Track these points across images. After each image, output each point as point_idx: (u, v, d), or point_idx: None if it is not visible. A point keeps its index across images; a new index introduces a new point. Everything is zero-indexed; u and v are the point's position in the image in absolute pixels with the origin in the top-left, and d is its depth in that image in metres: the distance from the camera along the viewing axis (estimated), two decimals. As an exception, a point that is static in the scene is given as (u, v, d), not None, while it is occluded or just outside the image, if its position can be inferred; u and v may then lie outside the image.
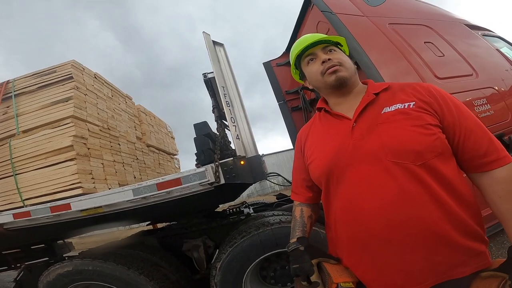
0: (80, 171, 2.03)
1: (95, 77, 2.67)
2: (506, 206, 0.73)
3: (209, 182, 1.73)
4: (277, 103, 3.79)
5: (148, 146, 3.39)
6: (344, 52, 0.98)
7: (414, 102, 0.80)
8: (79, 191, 1.99)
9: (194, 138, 2.26)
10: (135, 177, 2.77)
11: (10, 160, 2.08)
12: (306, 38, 0.97)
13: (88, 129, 2.26)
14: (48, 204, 1.89)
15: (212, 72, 3.23)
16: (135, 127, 3.18)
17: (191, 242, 2.47)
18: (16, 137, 2.15)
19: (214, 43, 2.37)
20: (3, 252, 3.78)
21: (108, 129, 2.57)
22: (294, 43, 1.01)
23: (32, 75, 2.35)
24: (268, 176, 2.77)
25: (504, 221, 0.74)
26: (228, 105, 2.01)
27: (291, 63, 1.05)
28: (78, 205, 1.85)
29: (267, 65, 3.90)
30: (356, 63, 2.08)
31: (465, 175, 0.82)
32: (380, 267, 0.78)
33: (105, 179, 2.29)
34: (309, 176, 0.98)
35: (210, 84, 3.00)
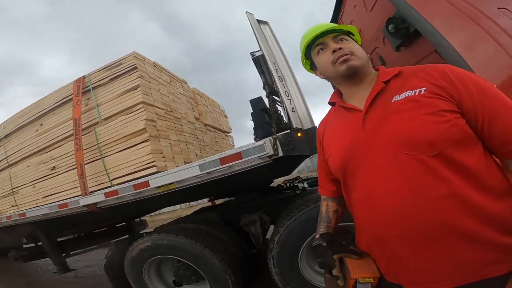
0: (154, 151, 2.26)
1: (154, 65, 2.86)
2: None
3: (267, 155, 1.76)
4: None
5: (206, 125, 3.61)
6: (356, 42, 0.93)
7: (425, 88, 0.73)
8: (153, 169, 2.22)
9: (251, 113, 2.30)
10: (196, 155, 2.99)
11: (97, 145, 2.41)
12: (316, 27, 0.92)
13: (155, 113, 2.47)
14: (131, 183, 2.16)
15: (260, 50, 3.25)
16: (192, 108, 3.38)
17: (248, 217, 2.57)
18: (99, 124, 2.47)
19: (259, 21, 2.37)
20: (94, 231, 4.57)
21: (171, 111, 2.78)
22: (304, 33, 0.97)
23: (103, 69, 2.62)
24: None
25: None
26: (281, 79, 2.00)
27: (301, 53, 1.01)
28: (155, 182, 2.07)
29: None
30: (416, 31, 1.94)
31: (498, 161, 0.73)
32: (399, 263, 0.76)
33: (173, 157, 2.51)
34: (331, 170, 0.96)
35: (259, 62, 2.99)
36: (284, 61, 2.12)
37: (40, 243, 3.73)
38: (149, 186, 2.08)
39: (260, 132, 2.11)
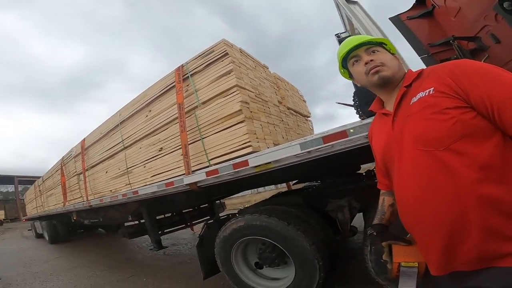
0: (249, 131, 2.28)
1: (240, 51, 2.95)
2: None
3: None
4: (418, 58, 3.39)
5: (288, 108, 3.58)
6: (390, 51, 1.02)
7: (432, 88, 0.80)
8: (249, 149, 2.25)
9: (354, 92, 2.19)
10: (283, 137, 2.96)
11: (197, 127, 2.59)
12: (350, 41, 1.02)
13: (248, 95, 2.52)
14: (231, 162, 2.22)
15: (345, 32, 3.13)
16: (275, 92, 3.38)
17: (335, 202, 2.46)
18: (198, 108, 2.64)
19: (347, 1, 2.34)
20: (183, 211, 5.04)
21: (259, 94, 2.80)
22: (340, 45, 1.07)
23: (197, 57, 2.79)
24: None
25: None
26: None
27: (338, 64, 1.11)
28: (253, 161, 2.07)
29: (396, 20, 3.54)
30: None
31: None
32: (427, 248, 0.84)
33: (264, 138, 2.51)
34: None
35: None
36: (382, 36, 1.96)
37: (142, 221, 4.27)
38: (248, 165, 2.09)
39: (366, 110, 1.98)
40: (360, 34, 2.07)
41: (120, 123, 3.55)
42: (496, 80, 0.72)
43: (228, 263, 2.51)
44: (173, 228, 4.54)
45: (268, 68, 3.61)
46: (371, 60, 0.96)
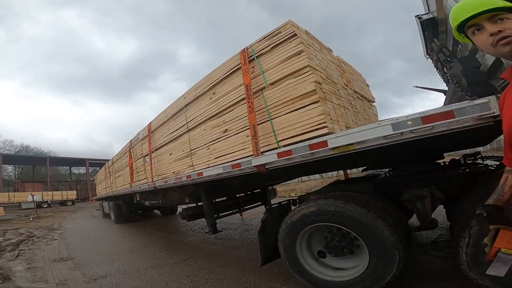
0: (324, 112, 2.12)
1: (306, 33, 2.77)
2: None
3: (492, 114, 1.41)
4: None
5: (355, 92, 3.33)
6: None
7: None
8: (324, 130, 2.09)
9: (462, 71, 2.03)
10: (352, 121, 2.74)
11: (266, 108, 2.50)
12: (469, 7, 0.85)
13: (320, 76, 2.35)
14: (306, 142, 2.09)
15: (428, 13, 2.81)
16: (341, 75, 3.15)
17: (414, 192, 2.22)
18: (266, 89, 2.56)
19: None
20: (237, 195, 5.10)
21: (329, 76, 2.62)
22: (454, 7, 0.92)
23: (263, 38, 2.69)
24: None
25: None
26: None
27: (453, 28, 0.95)
28: (333, 142, 1.92)
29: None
30: None
31: None
32: None
33: (337, 120, 2.33)
34: None
35: (426, 26, 2.93)
36: None
37: (199, 204, 4.42)
38: (327, 146, 1.94)
39: (479, 90, 1.76)
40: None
41: (185, 106, 3.67)
42: None
43: (292, 250, 2.41)
44: (227, 212, 4.62)
45: (332, 51, 3.39)
46: (499, 31, 0.84)
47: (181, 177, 3.64)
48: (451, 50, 2.49)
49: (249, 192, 5.21)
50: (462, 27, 0.93)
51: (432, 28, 2.83)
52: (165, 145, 4.34)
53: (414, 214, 2.34)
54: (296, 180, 13.01)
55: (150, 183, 4.83)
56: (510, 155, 1.01)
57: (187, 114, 3.62)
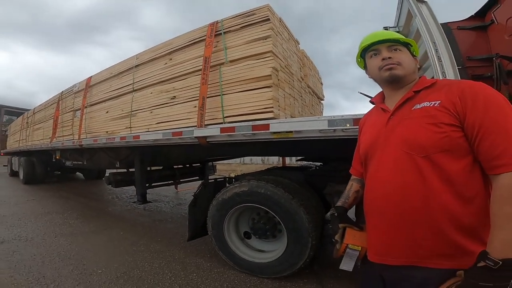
0: (273, 97, 2.22)
1: (280, 20, 2.87)
2: (497, 212, 0.74)
3: None
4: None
5: (308, 87, 3.55)
6: (413, 53, 1.03)
7: (439, 102, 0.86)
8: (270, 115, 2.19)
9: None
10: (298, 112, 2.92)
11: (220, 82, 2.49)
12: (376, 35, 1.03)
13: (279, 64, 2.45)
14: (250, 122, 2.15)
15: (395, 27, 3.18)
16: (300, 68, 3.33)
17: (335, 187, 2.39)
18: (224, 65, 2.55)
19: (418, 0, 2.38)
20: (175, 167, 4.89)
21: (288, 66, 2.75)
22: (367, 35, 1.09)
23: (235, 16, 2.68)
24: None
25: (492, 224, 0.75)
26: (440, 60, 1.93)
27: (358, 52, 1.12)
28: (275, 126, 2.02)
29: (445, 27, 3.59)
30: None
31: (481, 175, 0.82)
32: (374, 236, 0.97)
33: (284, 108, 2.46)
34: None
35: None
36: (442, 41, 2.05)
37: (131, 170, 4.14)
38: (269, 129, 2.03)
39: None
40: (421, 33, 2.12)
41: (135, 66, 3.41)
42: (493, 113, 0.78)
43: (220, 228, 2.45)
44: (161, 183, 4.42)
45: (299, 44, 3.56)
46: (389, 58, 0.98)
47: (114, 138, 3.36)
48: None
49: (187, 165, 5.06)
50: (365, 51, 1.08)
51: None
52: (102, 102, 3.96)
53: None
54: (239, 161, 13.21)
55: (76, 141, 4.33)
56: (359, 168, 1.15)
57: (136, 74, 3.37)
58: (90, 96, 4.27)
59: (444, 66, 1.86)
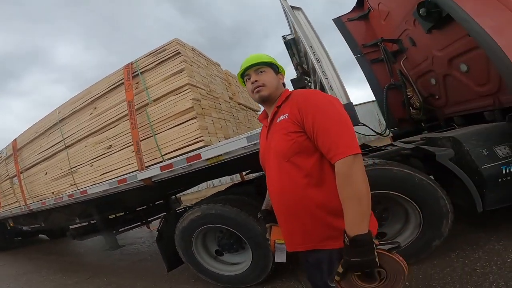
0: (201, 127, 2.41)
1: (193, 50, 2.99)
2: (341, 196, 0.90)
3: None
4: (352, 57, 3.85)
5: (239, 104, 3.76)
6: (279, 70, 1.23)
7: (287, 114, 1.04)
8: (201, 143, 2.38)
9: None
10: (233, 131, 3.14)
11: (149, 124, 2.60)
12: (245, 62, 1.21)
13: (199, 93, 2.61)
14: (184, 156, 2.33)
15: (291, 34, 3.43)
16: (226, 89, 3.52)
17: None
18: (149, 105, 2.66)
19: (292, 7, 2.57)
20: (138, 209, 4.90)
21: (211, 92, 2.92)
22: (243, 61, 1.25)
23: (148, 54, 2.77)
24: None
25: (343, 208, 0.90)
26: (318, 61, 2.14)
27: (238, 74, 1.27)
28: (206, 154, 2.23)
29: (338, 21, 3.98)
30: (447, 16, 2.20)
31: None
32: (282, 230, 1.15)
33: (216, 133, 2.66)
34: None
35: (290, 45, 3.37)
36: (319, 44, 2.25)
37: (93, 221, 4.08)
38: (201, 158, 2.24)
39: None
40: (300, 38, 2.32)
41: (60, 121, 3.33)
42: (321, 115, 0.96)
43: (190, 253, 2.63)
44: (128, 227, 4.42)
45: (220, 66, 3.71)
46: (256, 81, 1.15)
47: (62, 197, 3.30)
48: (303, 70, 3.04)
49: (151, 204, 5.10)
50: (242, 76, 1.23)
51: (292, 47, 3.29)
52: (38, 164, 3.79)
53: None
54: (206, 186, 13.09)
55: (24, 207, 4.12)
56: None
57: (63, 130, 3.31)
58: (22, 160, 4.05)
59: (323, 67, 2.08)
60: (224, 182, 15.96)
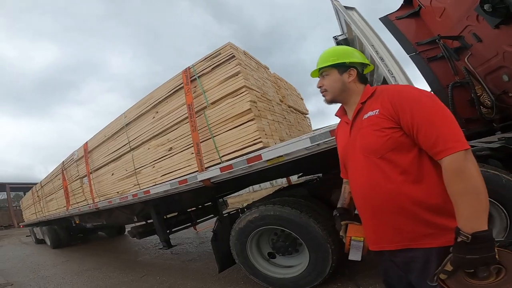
0: (259, 128, 2.41)
1: (244, 53, 3.07)
2: (453, 192, 0.86)
3: None
4: (406, 56, 3.67)
5: (289, 107, 3.73)
6: (343, 64, 1.17)
7: (378, 110, 1.01)
8: (260, 145, 2.37)
9: None
10: (286, 134, 3.10)
11: (208, 126, 2.69)
12: (317, 63, 1.24)
13: (255, 95, 2.64)
14: (244, 157, 2.35)
15: (342, 35, 3.36)
16: (276, 92, 3.52)
17: (339, 192, 2.64)
18: (207, 108, 2.75)
19: (346, 8, 2.55)
20: (188, 210, 5.13)
21: (264, 94, 2.93)
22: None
23: (204, 59, 2.88)
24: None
25: (452, 203, 0.87)
26: (382, 60, 2.08)
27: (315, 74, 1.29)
28: (267, 155, 2.21)
29: (386, 20, 3.84)
30: None
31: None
32: (366, 229, 1.13)
33: (272, 135, 2.64)
34: None
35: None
36: (380, 42, 2.19)
37: (149, 221, 4.36)
38: (262, 159, 2.23)
39: None
40: (360, 39, 2.26)
41: (126, 125, 3.62)
42: (419, 110, 0.92)
43: (244, 254, 2.64)
44: (180, 227, 4.64)
45: (268, 69, 3.74)
46: (320, 86, 1.21)
47: (127, 197, 3.57)
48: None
49: (200, 206, 5.29)
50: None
51: None
52: (105, 165, 4.17)
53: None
54: (248, 190, 13.36)
55: (92, 205, 4.55)
56: (345, 171, 1.28)
57: (129, 133, 3.58)
58: (92, 161, 4.50)
59: (388, 65, 2.01)
60: (264, 187, 16.16)
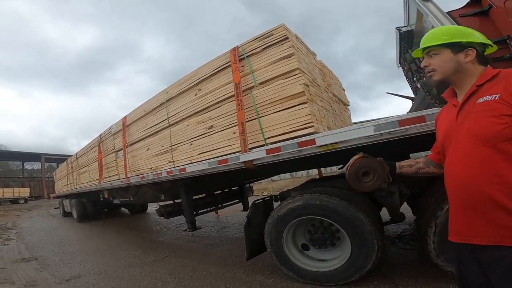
0: (311, 112, 2.27)
1: (296, 37, 2.91)
2: None
3: None
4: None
5: (334, 95, 3.55)
6: (457, 44, 1.06)
7: (499, 95, 0.93)
8: (311, 129, 2.23)
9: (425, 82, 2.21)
10: (332, 122, 2.93)
11: (254, 106, 2.58)
12: (422, 40, 1.15)
13: (308, 79, 2.49)
14: (295, 140, 2.21)
15: (407, 26, 3.14)
16: (323, 79, 3.34)
17: (385, 188, 2.45)
18: (255, 88, 2.64)
19: None
20: (215, 192, 5.08)
21: (314, 79, 2.78)
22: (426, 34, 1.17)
23: (254, 39, 2.77)
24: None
25: None
26: None
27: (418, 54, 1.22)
28: (321, 140, 2.06)
29: (449, 16, 3.63)
30: None
31: None
32: (454, 218, 1.06)
33: (321, 121, 2.49)
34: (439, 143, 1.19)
35: (403, 37, 3.19)
36: None
37: (177, 201, 4.34)
38: (315, 144, 2.08)
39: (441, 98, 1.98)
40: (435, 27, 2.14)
41: (167, 100, 3.61)
42: None
43: (279, 243, 2.51)
44: (206, 209, 4.59)
45: (316, 55, 3.57)
46: (426, 66, 1.14)
47: (161, 173, 3.56)
48: (417, 64, 2.80)
49: (227, 190, 5.22)
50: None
51: (408, 40, 3.08)
52: (142, 140, 4.20)
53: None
54: (267, 180, 13.33)
55: (124, 180, 4.62)
56: (435, 155, 1.25)
57: (169, 109, 3.56)
58: (129, 135, 4.56)
59: None
60: (283, 177, 15.92)
